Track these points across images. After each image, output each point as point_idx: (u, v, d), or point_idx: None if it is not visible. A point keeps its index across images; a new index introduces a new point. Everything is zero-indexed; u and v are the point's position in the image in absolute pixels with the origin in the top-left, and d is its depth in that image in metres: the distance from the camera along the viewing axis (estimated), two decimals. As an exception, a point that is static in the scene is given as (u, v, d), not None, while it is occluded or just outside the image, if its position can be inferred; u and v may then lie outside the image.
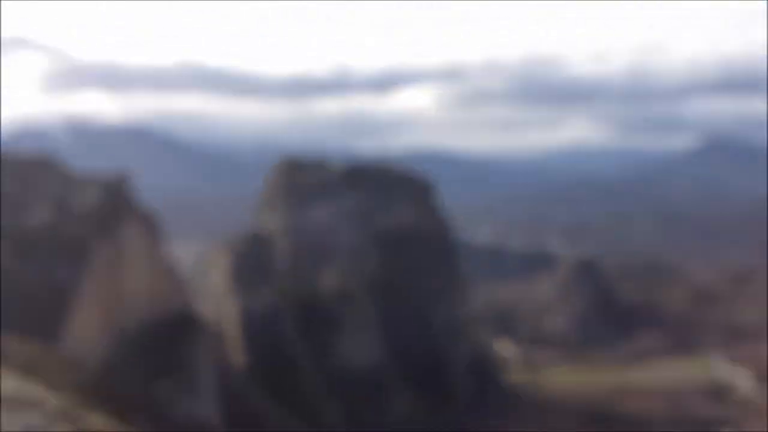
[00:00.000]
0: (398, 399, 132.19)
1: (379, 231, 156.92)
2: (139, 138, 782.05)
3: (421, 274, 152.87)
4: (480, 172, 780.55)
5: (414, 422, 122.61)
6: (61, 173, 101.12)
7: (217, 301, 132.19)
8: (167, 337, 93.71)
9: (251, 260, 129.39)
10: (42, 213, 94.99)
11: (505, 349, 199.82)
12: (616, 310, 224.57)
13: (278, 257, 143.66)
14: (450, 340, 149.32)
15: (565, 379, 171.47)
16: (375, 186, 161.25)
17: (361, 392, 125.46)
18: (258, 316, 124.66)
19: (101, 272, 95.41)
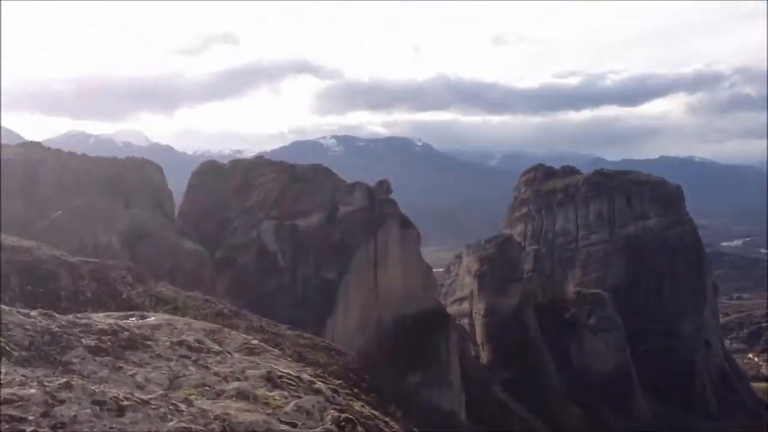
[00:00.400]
0: (641, 406, 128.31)
1: (626, 237, 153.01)
2: (400, 149, 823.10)
3: (668, 282, 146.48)
4: (731, 179, 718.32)
5: (656, 430, 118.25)
6: (332, 181, 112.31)
7: (467, 300, 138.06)
8: (419, 333, 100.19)
9: (500, 263, 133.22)
10: (315, 217, 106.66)
11: (753, 360, 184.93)
12: None
13: (525, 261, 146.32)
14: (696, 349, 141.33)
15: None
16: (622, 193, 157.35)
17: (602, 397, 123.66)
18: (504, 317, 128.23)
19: (362, 271, 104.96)
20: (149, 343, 11.47)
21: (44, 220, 75.84)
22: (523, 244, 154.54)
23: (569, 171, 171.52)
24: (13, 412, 6.49)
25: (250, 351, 13.93)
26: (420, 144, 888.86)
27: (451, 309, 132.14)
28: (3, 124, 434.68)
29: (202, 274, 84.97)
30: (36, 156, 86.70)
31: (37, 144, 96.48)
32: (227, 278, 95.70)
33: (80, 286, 29.36)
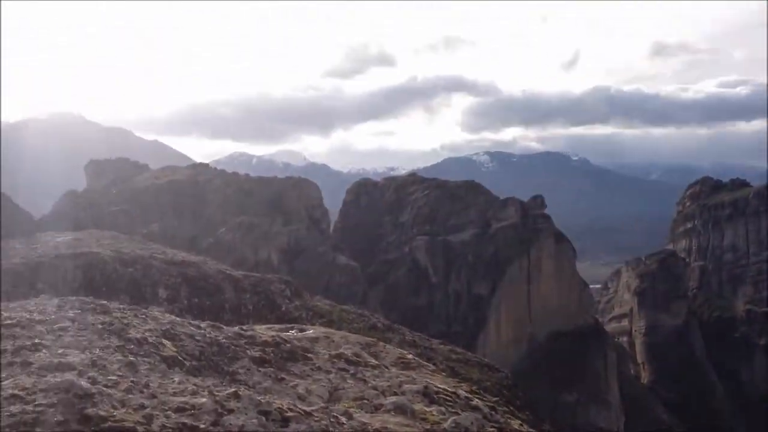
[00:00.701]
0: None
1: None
2: (555, 164, 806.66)
3: None
4: None
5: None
6: (484, 197, 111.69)
7: (626, 318, 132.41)
8: (575, 350, 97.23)
9: (662, 279, 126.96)
10: (467, 232, 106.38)
11: None
12: None
13: (690, 277, 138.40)
14: None
15: None
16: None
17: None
18: (667, 335, 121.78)
19: (515, 286, 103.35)
20: (309, 355, 11.73)
21: (210, 236, 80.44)
22: (687, 259, 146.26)
23: (738, 184, 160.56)
24: (186, 420, 6.75)
25: (406, 365, 13.94)
26: (576, 158, 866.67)
27: (609, 326, 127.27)
28: (175, 148, 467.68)
29: (355, 288, 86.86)
30: (204, 177, 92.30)
31: (205, 165, 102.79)
32: (379, 292, 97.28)
33: (243, 299, 30.77)
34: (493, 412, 11.56)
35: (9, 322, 9.12)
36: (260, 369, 10.35)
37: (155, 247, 33.48)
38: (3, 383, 6.97)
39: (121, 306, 11.51)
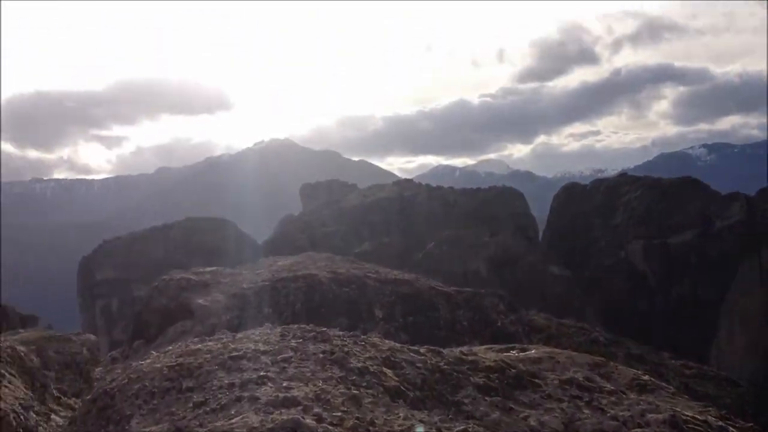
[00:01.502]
0: None
1: None
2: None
3: None
4: None
5: None
6: (704, 193, 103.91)
7: None
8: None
9: None
10: (687, 233, 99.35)
11: None
12: None
13: None
14: None
15: None
16: None
17: None
18: None
19: (747, 290, 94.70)
20: (537, 381, 10.89)
21: (419, 251, 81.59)
22: None
23: None
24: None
25: (642, 388, 12.71)
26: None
27: None
28: (380, 166, 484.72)
29: (570, 298, 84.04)
30: (409, 192, 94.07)
31: (410, 181, 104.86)
32: (595, 302, 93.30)
33: (457, 315, 30.40)
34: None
35: (236, 354, 9.22)
36: (486, 398, 9.69)
37: (368, 267, 34.12)
38: (233, 421, 6.89)
39: (341, 333, 11.40)
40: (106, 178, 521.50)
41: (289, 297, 25.32)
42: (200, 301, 24.55)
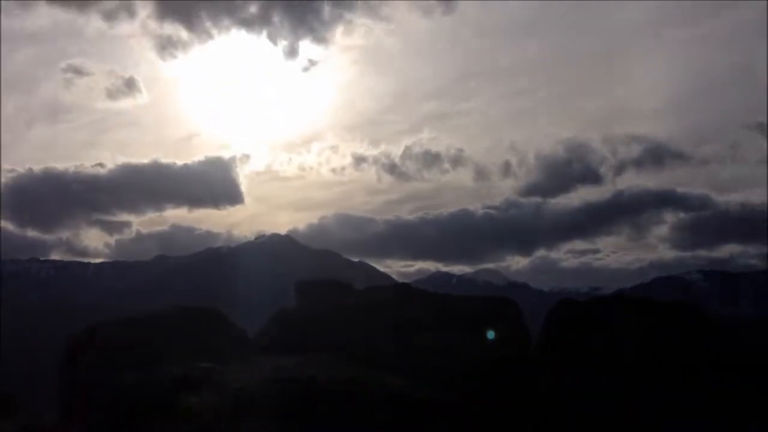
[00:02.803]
0: None
1: None
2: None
3: None
4: None
5: None
6: (700, 318, 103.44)
7: None
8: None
9: None
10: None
11: None
12: None
13: None
14: None
15: None
16: None
17: None
18: None
19: None
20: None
21: (411, 356, 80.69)
22: None
23: None
24: None
25: None
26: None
27: None
28: (379, 268, 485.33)
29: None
30: (404, 297, 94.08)
31: (407, 286, 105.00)
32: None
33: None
34: None
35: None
36: None
37: (361, 369, 33.81)
38: None
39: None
40: (103, 262, 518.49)
41: (284, 401, 25.08)
42: (192, 399, 24.32)
